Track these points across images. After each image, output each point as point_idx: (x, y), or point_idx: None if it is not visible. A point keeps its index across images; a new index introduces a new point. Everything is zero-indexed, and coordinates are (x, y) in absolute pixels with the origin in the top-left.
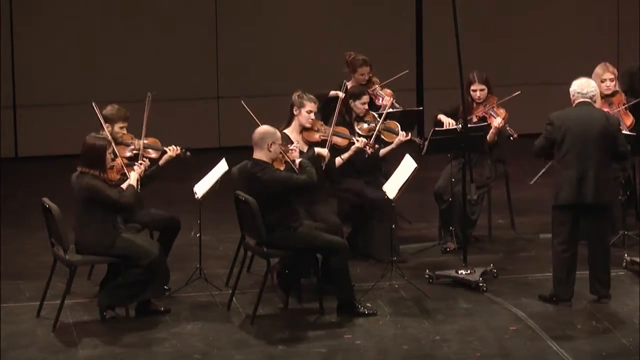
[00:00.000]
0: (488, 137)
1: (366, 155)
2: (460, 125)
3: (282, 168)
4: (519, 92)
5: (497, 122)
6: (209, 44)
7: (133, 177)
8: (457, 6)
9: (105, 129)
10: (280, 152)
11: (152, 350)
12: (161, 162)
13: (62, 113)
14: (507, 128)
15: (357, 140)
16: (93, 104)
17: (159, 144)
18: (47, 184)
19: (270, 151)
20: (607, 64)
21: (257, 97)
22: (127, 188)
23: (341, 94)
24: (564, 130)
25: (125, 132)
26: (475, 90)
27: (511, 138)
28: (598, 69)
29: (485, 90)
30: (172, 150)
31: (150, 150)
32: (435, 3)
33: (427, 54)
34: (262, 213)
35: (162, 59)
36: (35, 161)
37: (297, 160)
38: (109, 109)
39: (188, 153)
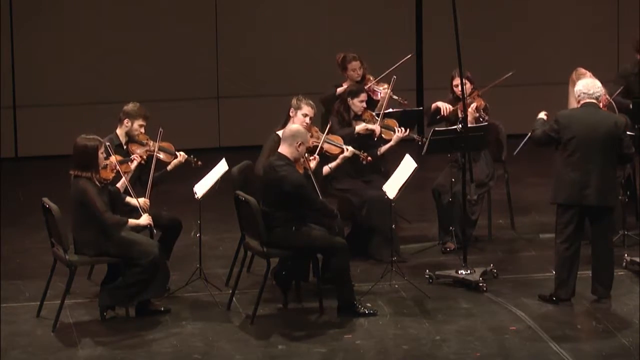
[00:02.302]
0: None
1: (364, 162)
2: (460, 125)
3: (300, 171)
4: (513, 71)
5: (471, 107)
6: (209, 44)
7: (134, 222)
8: (457, 6)
9: (124, 124)
10: (303, 157)
11: (152, 350)
12: (169, 167)
13: (62, 113)
14: (481, 113)
15: (347, 150)
16: (107, 144)
17: (173, 148)
18: (47, 184)
19: (298, 150)
20: (581, 68)
21: (257, 97)
22: (119, 219)
23: (343, 87)
24: (570, 131)
25: (142, 131)
26: (457, 85)
27: (481, 119)
28: (572, 75)
29: (468, 85)
30: (181, 156)
31: (161, 153)
32: (435, 3)
33: (427, 54)
34: (272, 209)
35: (162, 59)
36: (35, 161)
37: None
38: (131, 106)
39: (199, 162)
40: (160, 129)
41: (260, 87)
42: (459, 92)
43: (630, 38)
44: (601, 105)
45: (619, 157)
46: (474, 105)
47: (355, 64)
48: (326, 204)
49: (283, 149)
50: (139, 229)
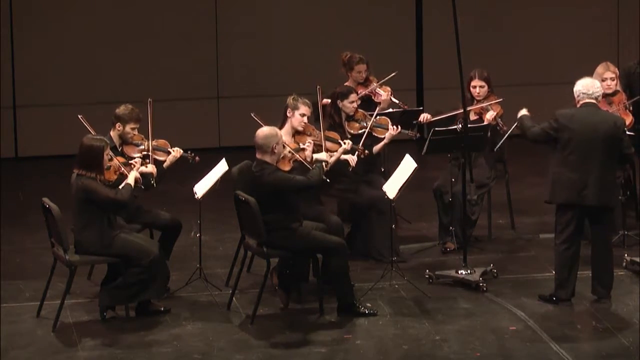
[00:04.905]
0: None
1: (350, 169)
2: (460, 125)
3: (287, 168)
4: (501, 99)
5: (489, 115)
6: (209, 44)
7: (131, 177)
8: (457, 6)
9: (116, 127)
10: (290, 152)
11: (152, 351)
12: (165, 164)
13: (62, 113)
14: (499, 122)
15: (344, 143)
16: (79, 117)
17: (169, 146)
18: (47, 184)
19: (275, 152)
20: (608, 63)
21: (257, 97)
22: (123, 186)
23: (326, 101)
24: (569, 131)
25: (136, 132)
26: (474, 87)
27: (498, 128)
28: (599, 68)
29: (485, 88)
30: (176, 152)
31: (159, 152)
32: (435, 3)
33: (427, 54)
34: (262, 213)
35: (162, 59)
36: (35, 161)
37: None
38: (122, 109)
39: (197, 158)
40: (150, 100)
41: (260, 87)
42: (476, 94)
43: (631, 38)
44: (615, 107)
45: (619, 158)
46: (493, 113)
47: (362, 67)
48: (301, 178)
49: (259, 155)
50: (145, 177)
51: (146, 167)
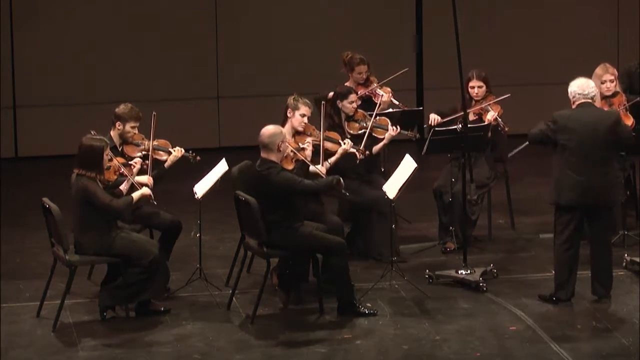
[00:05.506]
0: None
1: (357, 161)
2: (460, 125)
3: (290, 167)
4: (508, 95)
5: (490, 115)
6: (209, 44)
7: (137, 194)
8: (457, 6)
9: (116, 127)
10: (292, 151)
11: (152, 351)
12: (167, 163)
13: (62, 113)
14: (499, 121)
15: (344, 143)
16: (92, 132)
17: (170, 146)
18: (47, 184)
19: (280, 151)
20: (607, 64)
21: (257, 97)
22: (124, 197)
23: (331, 94)
24: (568, 131)
25: (136, 132)
26: (473, 87)
27: (499, 128)
28: (598, 70)
29: (484, 88)
30: (178, 151)
31: (161, 152)
32: (435, 3)
33: (427, 54)
34: (264, 212)
35: (162, 59)
36: (35, 161)
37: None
38: (122, 108)
39: (198, 157)
40: (154, 112)
41: (260, 87)
42: (474, 94)
43: (631, 38)
44: (615, 109)
45: (623, 146)
46: (493, 114)
47: (362, 68)
48: (309, 182)
49: (264, 154)
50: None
51: (144, 164)
